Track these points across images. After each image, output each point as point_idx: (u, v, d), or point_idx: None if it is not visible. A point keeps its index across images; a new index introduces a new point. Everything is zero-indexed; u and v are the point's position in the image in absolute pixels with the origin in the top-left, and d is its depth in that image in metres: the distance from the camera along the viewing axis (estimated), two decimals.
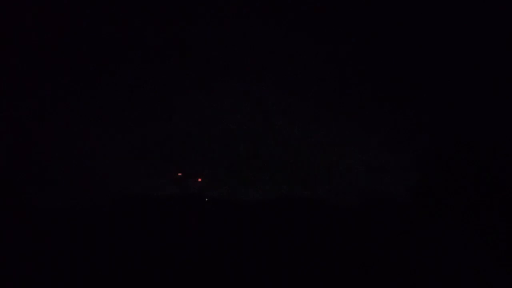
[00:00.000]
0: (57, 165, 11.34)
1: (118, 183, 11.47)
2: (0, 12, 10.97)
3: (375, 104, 11.63)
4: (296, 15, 11.84)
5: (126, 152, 11.76)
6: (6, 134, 11.02)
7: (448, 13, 11.19)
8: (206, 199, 11.51)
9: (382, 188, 11.41)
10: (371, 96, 11.73)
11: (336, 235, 10.70)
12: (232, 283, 9.72)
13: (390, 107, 11.59)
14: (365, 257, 10.20)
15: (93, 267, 9.72)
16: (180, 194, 11.62)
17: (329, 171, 11.74)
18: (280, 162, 11.83)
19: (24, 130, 11.24)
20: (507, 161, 10.71)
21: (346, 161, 11.68)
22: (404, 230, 10.67)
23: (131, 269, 9.81)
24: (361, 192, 11.45)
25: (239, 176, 11.81)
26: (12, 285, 9.07)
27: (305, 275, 9.90)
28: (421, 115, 11.48)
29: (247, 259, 10.22)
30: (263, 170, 11.86)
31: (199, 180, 11.73)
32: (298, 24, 11.85)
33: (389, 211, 11.21)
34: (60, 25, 11.28)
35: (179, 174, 11.68)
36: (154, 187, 11.57)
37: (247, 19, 11.68)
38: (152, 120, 11.88)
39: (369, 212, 11.23)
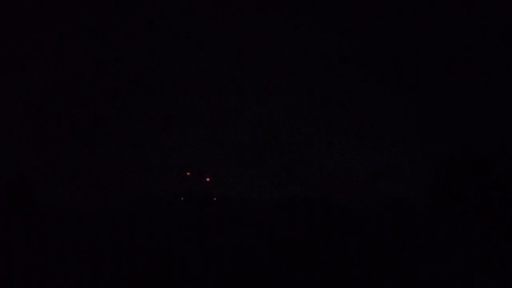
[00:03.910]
0: (71, 165, 11.42)
1: (128, 182, 11.52)
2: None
3: (385, 107, 11.57)
4: (298, 17, 11.79)
5: (136, 152, 11.81)
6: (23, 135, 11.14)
7: (461, 17, 11.09)
8: (214, 198, 11.52)
9: (391, 189, 11.36)
10: (381, 99, 11.67)
11: (344, 235, 10.66)
12: (237, 280, 9.71)
13: (400, 108, 11.52)
14: (372, 256, 10.15)
15: (102, 264, 9.76)
16: (188, 193, 11.63)
17: (338, 172, 11.70)
18: (289, 162, 11.82)
19: (38, 131, 11.34)
20: None
21: (356, 163, 11.64)
22: (412, 230, 10.60)
23: (140, 265, 9.84)
24: (370, 193, 11.41)
25: (247, 176, 11.81)
26: (19, 282, 9.12)
27: (311, 273, 9.87)
28: (431, 117, 11.40)
29: (254, 257, 10.21)
30: (271, 170, 11.85)
31: (208, 179, 11.73)
32: (301, 26, 11.81)
33: (397, 211, 11.16)
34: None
35: (188, 173, 11.71)
36: (163, 186, 11.60)
37: (249, 21, 11.68)
38: (162, 122, 11.92)
39: (376, 213, 11.18)
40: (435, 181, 11.17)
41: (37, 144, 11.29)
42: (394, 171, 11.47)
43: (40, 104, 11.49)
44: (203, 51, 11.99)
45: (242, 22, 11.80)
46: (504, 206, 10.52)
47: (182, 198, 11.53)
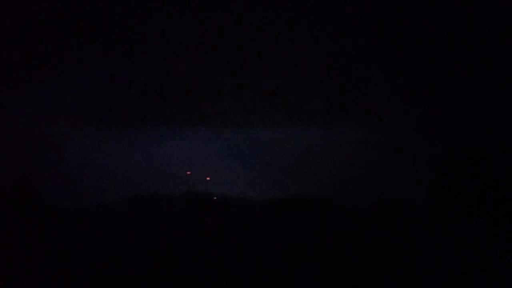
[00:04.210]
0: (65, 164, 11.39)
1: (126, 182, 11.49)
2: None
3: (385, 107, 11.57)
4: (298, 16, 11.77)
5: (134, 151, 11.79)
6: (21, 135, 11.12)
7: (462, 16, 11.09)
8: (215, 198, 11.50)
9: (391, 189, 11.37)
10: (381, 99, 11.66)
11: (344, 236, 10.68)
12: (237, 282, 9.74)
13: (400, 108, 11.52)
14: (372, 256, 10.18)
15: (99, 266, 9.77)
16: (188, 193, 11.60)
17: (338, 172, 11.71)
18: (290, 161, 11.82)
19: (34, 131, 11.31)
20: None
21: (356, 163, 11.64)
22: (412, 230, 10.63)
23: (137, 268, 9.84)
24: (370, 193, 11.41)
25: (248, 175, 11.80)
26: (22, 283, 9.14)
27: (311, 273, 9.90)
28: (432, 117, 11.40)
29: (254, 258, 10.23)
30: (271, 169, 11.84)
31: (208, 178, 11.72)
32: (301, 25, 11.78)
33: (397, 211, 11.17)
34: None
35: (188, 172, 11.69)
36: (162, 185, 11.58)
37: (245, 16, 11.64)
38: (160, 119, 11.89)
39: (376, 213, 11.20)
40: (435, 181, 11.19)
41: (37, 143, 11.27)
42: (394, 171, 11.47)
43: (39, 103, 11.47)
44: (203, 50, 11.97)
45: (242, 22, 11.78)
46: (505, 206, 10.55)
47: (181, 197, 11.52)
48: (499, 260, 9.73)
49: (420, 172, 11.35)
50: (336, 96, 11.88)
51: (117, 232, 10.65)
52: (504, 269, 9.58)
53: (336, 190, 11.55)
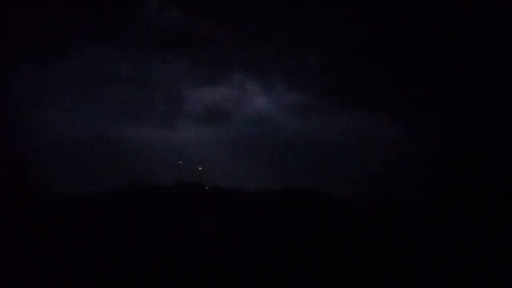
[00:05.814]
0: (62, 153, 11.06)
1: (118, 172, 11.27)
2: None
3: (385, 107, 11.62)
4: (300, 11, 11.84)
5: (128, 143, 11.60)
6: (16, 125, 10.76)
7: (464, 14, 11.32)
8: (206, 188, 11.39)
9: (390, 188, 11.29)
10: (380, 93, 11.70)
11: (343, 235, 10.47)
12: (231, 274, 9.32)
13: (401, 108, 11.57)
14: (372, 257, 9.92)
15: (91, 256, 9.33)
16: (180, 182, 11.47)
17: (337, 171, 11.58)
18: (284, 154, 11.67)
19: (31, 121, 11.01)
20: None
21: (355, 162, 11.58)
22: (412, 229, 10.49)
23: (130, 257, 9.42)
24: (370, 192, 11.32)
25: (241, 166, 11.61)
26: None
27: (310, 273, 9.55)
28: (432, 117, 11.47)
29: (246, 248, 9.91)
30: (264, 160, 11.70)
31: (200, 168, 11.57)
32: (304, 20, 11.86)
33: (397, 211, 11.09)
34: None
35: (180, 162, 11.57)
36: (155, 174, 11.40)
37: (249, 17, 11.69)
38: (156, 112, 11.76)
39: (375, 210, 11.08)
40: (435, 181, 11.16)
41: (34, 132, 10.91)
42: (394, 170, 11.40)
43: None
44: (202, 47, 11.90)
45: (243, 17, 11.77)
46: (505, 206, 10.53)
47: (173, 187, 11.29)
48: (499, 260, 9.59)
49: (420, 172, 11.32)
50: (333, 94, 11.90)
51: (109, 221, 10.27)
52: (504, 269, 9.43)
53: (335, 190, 11.47)
